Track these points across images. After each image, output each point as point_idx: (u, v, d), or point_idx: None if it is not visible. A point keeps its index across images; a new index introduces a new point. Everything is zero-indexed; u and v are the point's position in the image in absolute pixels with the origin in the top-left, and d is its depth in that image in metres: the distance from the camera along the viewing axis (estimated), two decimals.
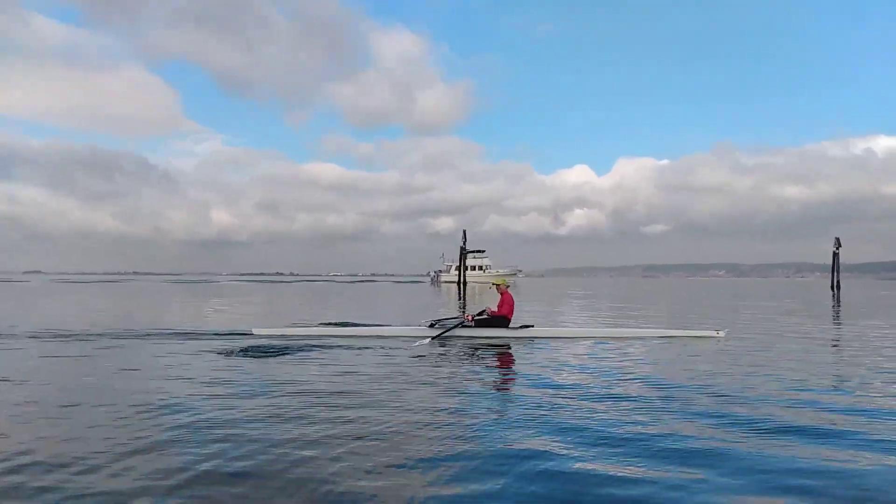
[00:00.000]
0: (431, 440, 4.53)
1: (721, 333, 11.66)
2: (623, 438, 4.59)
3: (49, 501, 3.33)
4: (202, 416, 5.17)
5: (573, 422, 5.09)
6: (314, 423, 4.98)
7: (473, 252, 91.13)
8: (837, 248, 64.64)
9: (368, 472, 3.81)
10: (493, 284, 12.33)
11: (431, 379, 7.15)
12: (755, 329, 13.96)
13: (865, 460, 4.11)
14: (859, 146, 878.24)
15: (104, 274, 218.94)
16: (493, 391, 6.56)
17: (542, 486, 3.62)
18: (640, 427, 4.92)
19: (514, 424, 5.02)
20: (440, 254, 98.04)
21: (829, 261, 65.53)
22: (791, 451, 4.27)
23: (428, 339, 10.43)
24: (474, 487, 3.59)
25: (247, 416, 5.19)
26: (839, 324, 16.48)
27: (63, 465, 3.87)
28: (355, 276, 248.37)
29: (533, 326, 11.87)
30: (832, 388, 6.65)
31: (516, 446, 4.38)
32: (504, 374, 7.78)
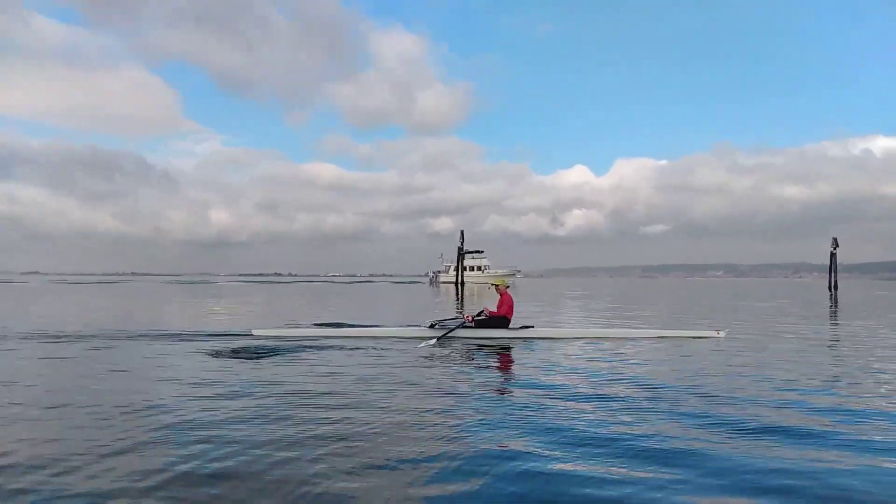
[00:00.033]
0: (415, 441, 4.51)
1: (721, 334, 11.61)
2: (608, 439, 4.57)
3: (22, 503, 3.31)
4: (186, 417, 5.14)
5: (559, 422, 5.07)
6: (298, 423, 4.96)
7: (472, 252, 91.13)
8: (835, 249, 64.70)
9: (348, 473, 3.79)
10: (493, 285, 12.26)
11: (422, 380, 7.13)
12: (754, 329, 13.93)
13: (849, 461, 4.09)
14: (858, 146, 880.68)
15: (102, 275, 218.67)
16: (482, 392, 6.54)
17: (522, 487, 3.60)
18: (625, 427, 4.91)
19: (500, 425, 5.00)
20: (439, 254, 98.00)
21: (828, 261, 65.56)
22: (775, 452, 4.26)
23: (434, 340, 10.37)
24: (453, 488, 3.58)
25: (231, 417, 5.17)
26: (834, 324, 16.48)
27: (39, 467, 3.85)
28: (354, 276, 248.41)
29: (533, 327, 11.82)
30: (821, 389, 6.64)
31: (499, 447, 4.37)
32: (496, 375, 7.75)
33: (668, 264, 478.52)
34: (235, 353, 9.11)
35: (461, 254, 70.80)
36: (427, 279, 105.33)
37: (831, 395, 6.33)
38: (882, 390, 6.61)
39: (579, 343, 10.63)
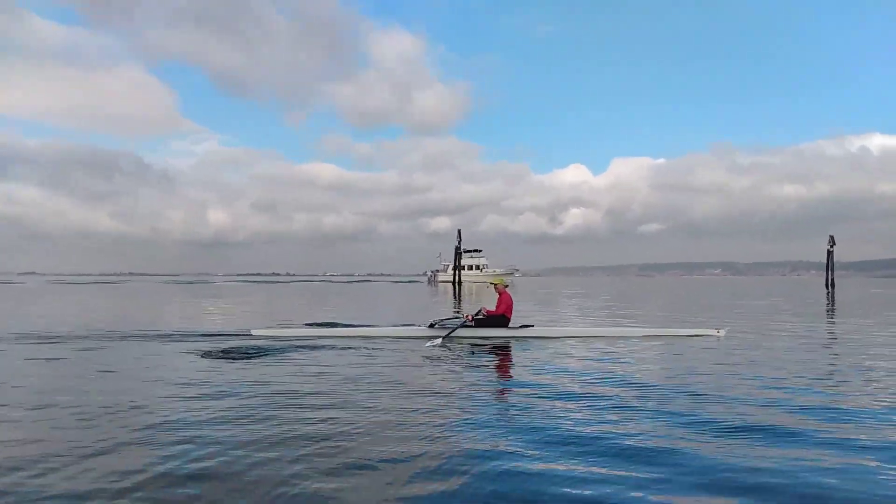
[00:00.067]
0: (397, 440, 4.50)
1: (721, 332, 11.58)
2: (592, 438, 4.56)
3: None
4: (170, 418, 5.13)
5: (545, 422, 5.06)
6: (282, 423, 4.95)
7: (470, 252, 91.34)
8: (832, 247, 64.88)
9: (327, 474, 3.78)
10: (491, 284, 12.20)
11: (412, 379, 7.11)
12: (751, 328, 13.91)
13: (831, 460, 4.09)
14: (855, 144, 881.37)
15: (100, 275, 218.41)
16: (471, 391, 6.53)
17: (501, 486, 3.60)
18: (611, 427, 4.90)
19: (486, 424, 4.99)
20: (438, 254, 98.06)
21: (825, 259, 65.70)
22: (759, 452, 4.25)
23: (440, 339, 10.32)
24: (432, 487, 3.57)
25: (215, 418, 5.15)
26: (829, 322, 16.52)
27: (16, 469, 3.84)
28: (352, 276, 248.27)
29: (533, 326, 11.78)
30: (810, 388, 6.63)
31: (481, 446, 4.36)
32: (489, 375, 7.72)
33: (665, 263, 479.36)
34: (226, 354, 9.08)
35: (458, 253, 70.86)
36: (425, 279, 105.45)
37: (819, 394, 6.33)
38: (870, 389, 6.61)
39: (579, 342, 10.58)
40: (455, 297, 33.95)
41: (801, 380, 7.08)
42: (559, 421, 5.09)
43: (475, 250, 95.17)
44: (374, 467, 3.91)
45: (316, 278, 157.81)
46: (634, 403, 5.80)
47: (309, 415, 5.26)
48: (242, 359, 8.66)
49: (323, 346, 9.90)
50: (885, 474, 3.81)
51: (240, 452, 4.16)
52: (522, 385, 6.84)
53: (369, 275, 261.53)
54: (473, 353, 9.50)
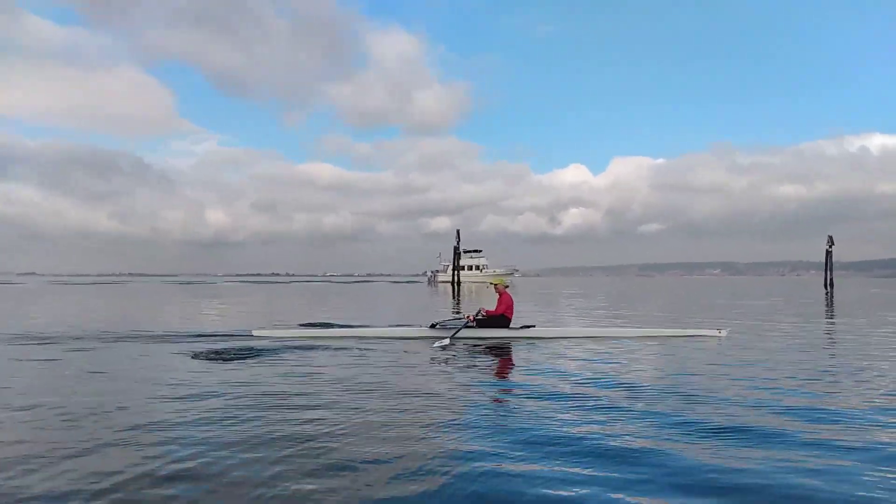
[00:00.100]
0: (381, 441, 4.49)
1: (723, 333, 11.57)
2: (577, 439, 4.55)
3: None
4: (154, 419, 5.12)
5: (531, 422, 5.04)
6: (267, 425, 4.92)
7: (470, 252, 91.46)
8: (830, 247, 65.03)
9: (307, 474, 3.78)
10: (491, 284, 12.16)
11: (403, 381, 7.07)
12: (748, 328, 13.90)
13: (815, 461, 4.09)
14: (855, 144, 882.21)
15: (99, 275, 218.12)
16: (461, 392, 6.47)
17: (481, 486, 3.60)
18: (598, 427, 4.89)
19: (471, 425, 4.97)
20: (437, 254, 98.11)
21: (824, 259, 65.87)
22: (744, 453, 4.25)
23: (447, 340, 10.28)
24: (413, 488, 3.57)
25: (200, 418, 5.13)
26: (827, 322, 16.55)
27: None
28: (351, 276, 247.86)
29: (534, 326, 11.77)
30: (800, 389, 6.62)
31: (465, 447, 4.34)
32: (481, 376, 7.63)
33: (665, 263, 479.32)
34: (219, 354, 9.00)
35: (457, 253, 71.01)
36: (425, 279, 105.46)
37: (809, 395, 6.32)
38: (860, 389, 6.60)
39: (579, 343, 10.51)
40: (454, 298, 33.97)
41: (793, 381, 7.06)
42: (546, 422, 5.07)
43: (475, 250, 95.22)
44: (354, 468, 3.90)
45: (316, 278, 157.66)
46: (623, 404, 5.78)
47: (295, 416, 5.23)
48: (235, 359, 8.58)
49: (320, 347, 9.85)
50: (867, 475, 3.81)
51: (221, 453, 4.15)
52: (514, 385, 6.82)
53: (369, 275, 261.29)
54: (472, 353, 9.46)
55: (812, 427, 4.95)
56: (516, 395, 6.32)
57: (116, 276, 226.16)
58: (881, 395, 6.34)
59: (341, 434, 4.66)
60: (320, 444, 4.38)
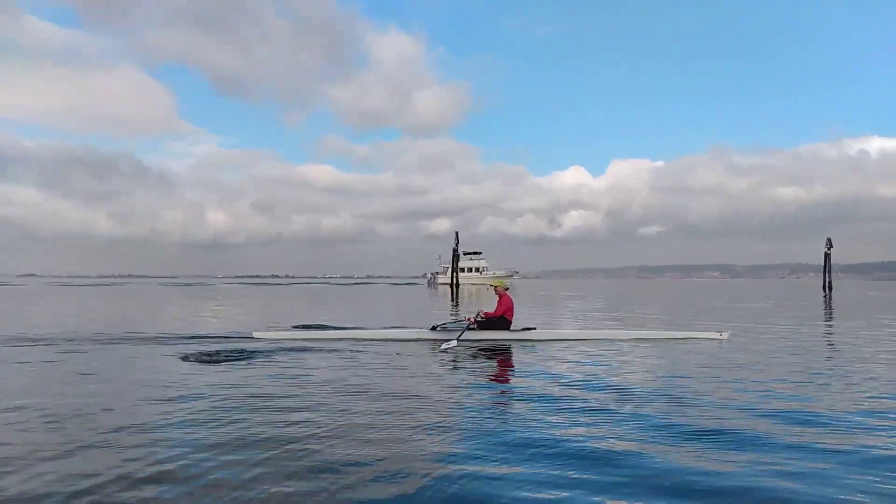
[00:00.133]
0: (364, 443, 4.48)
1: (724, 335, 11.52)
2: (561, 441, 4.55)
3: None
4: (137, 421, 5.10)
5: (517, 425, 5.04)
6: (251, 427, 4.91)
7: (470, 254, 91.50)
8: (829, 249, 64.98)
9: (287, 476, 3.78)
10: (491, 286, 12.12)
11: (394, 383, 7.05)
12: (749, 331, 13.87)
13: (798, 464, 4.09)
14: (854, 147, 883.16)
15: (99, 277, 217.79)
16: (449, 395, 6.45)
17: (461, 489, 3.60)
18: (584, 430, 4.88)
19: (456, 427, 4.97)
20: (437, 255, 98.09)
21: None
22: (729, 456, 4.24)
23: (454, 342, 10.20)
24: (392, 490, 3.57)
25: (185, 420, 5.12)
26: (825, 325, 16.56)
27: None
28: (351, 277, 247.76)
29: (535, 328, 11.74)
30: (790, 392, 6.62)
31: (448, 450, 4.34)
32: (474, 378, 7.55)
33: (664, 265, 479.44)
34: (211, 356, 8.96)
35: (456, 255, 71.06)
36: (425, 281, 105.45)
37: (798, 398, 6.30)
38: (849, 393, 6.60)
39: (580, 345, 10.43)
40: (453, 300, 33.97)
41: (783, 384, 7.05)
42: (533, 424, 5.06)
43: (475, 252, 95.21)
44: (335, 470, 3.89)
45: (315, 280, 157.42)
46: (612, 406, 5.77)
47: (279, 418, 5.22)
48: (226, 362, 8.55)
49: (314, 349, 9.82)
50: (849, 478, 3.81)
51: (201, 455, 4.14)
52: (506, 388, 6.79)
53: (369, 277, 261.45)
54: (469, 355, 9.43)
55: (798, 430, 4.94)
56: (506, 398, 6.31)
57: (115, 277, 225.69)
58: (869, 398, 6.33)
59: (324, 436, 4.65)
60: (302, 447, 4.37)
